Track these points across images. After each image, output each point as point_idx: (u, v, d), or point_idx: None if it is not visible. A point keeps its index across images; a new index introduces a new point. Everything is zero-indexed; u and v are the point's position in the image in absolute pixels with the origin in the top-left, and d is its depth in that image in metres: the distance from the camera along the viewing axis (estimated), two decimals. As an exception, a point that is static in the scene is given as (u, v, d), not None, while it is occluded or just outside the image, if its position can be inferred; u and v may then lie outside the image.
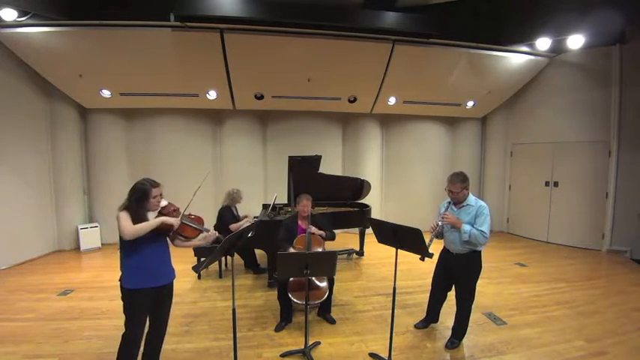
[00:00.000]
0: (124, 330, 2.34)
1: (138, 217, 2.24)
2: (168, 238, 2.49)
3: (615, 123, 5.99)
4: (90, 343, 3.13)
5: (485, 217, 2.81)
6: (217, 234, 2.58)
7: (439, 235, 2.98)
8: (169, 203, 2.49)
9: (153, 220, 2.25)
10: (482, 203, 2.88)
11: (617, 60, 5.89)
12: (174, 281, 2.58)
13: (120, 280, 2.32)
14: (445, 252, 3.15)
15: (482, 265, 3.01)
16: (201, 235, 2.55)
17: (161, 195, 2.42)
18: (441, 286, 3.26)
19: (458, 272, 3.03)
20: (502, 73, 6.60)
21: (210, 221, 5.02)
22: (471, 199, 2.92)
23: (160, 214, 2.41)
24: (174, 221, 2.30)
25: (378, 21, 5.26)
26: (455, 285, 3.13)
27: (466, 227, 2.79)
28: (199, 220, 2.60)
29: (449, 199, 2.98)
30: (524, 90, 7.17)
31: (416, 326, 3.41)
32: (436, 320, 3.43)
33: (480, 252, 2.96)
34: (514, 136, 7.62)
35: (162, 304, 2.47)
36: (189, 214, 2.58)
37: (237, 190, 5.09)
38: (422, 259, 2.66)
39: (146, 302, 2.33)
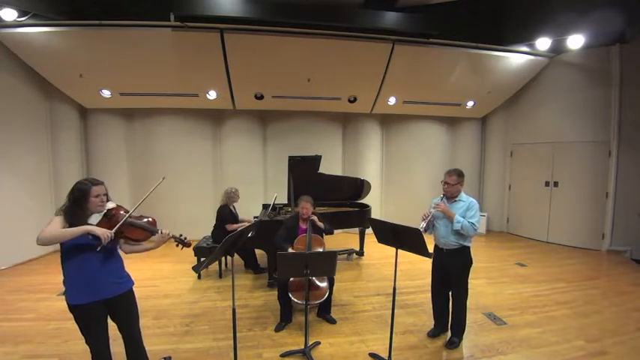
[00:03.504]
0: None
1: (76, 221, 1.98)
2: (118, 245, 2.24)
3: (615, 123, 5.98)
4: (90, 343, 3.13)
5: (475, 211, 2.99)
6: (172, 234, 2.29)
7: (428, 226, 3.08)
8: (118, 206, 2.23)
9: (74, 229, 1.93)
10: (473, 199, 3.06)
11: (617, 60, 5.88)
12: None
13: (64, 295, 2.05)
14: (437, 251, 3.18)
15: (473, 260, 3.08)
16: (153, 238, 2.25)
17: (106, 195, 2.15)
18: (440, 286, 3.24)
19: (450, 268, 3.07)
20: (502, 73, 6.60)
21: (210, 222, 5.06)
22: (463, 195, 3.09)
23: (106, 216, 2.16)
24: (101, 233, 1.94)
25: (378, 21, 5.27)
26: (449, 282, 3.15)
27: (459, 218, 2.95)
28: (151, 222, 2.31)
29: (441, 195, 3.12)
30: (524, 90, 7.17)
31: (428, 334, 3.27)
32: (447, 328, 3.26)
33: (469, 247, 3.04)
34: (514, 136, 7.62)
35: (124, 317, 2.24)
36: (140, 216, 2.30)
37: (234, 190, 5.09)
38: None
39: (96, 316, 2.09)
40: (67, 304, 2.05)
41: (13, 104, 5.37)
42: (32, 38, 4.98)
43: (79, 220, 2.01)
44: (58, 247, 2.03)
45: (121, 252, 2.30)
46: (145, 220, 2.30)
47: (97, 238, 1.94)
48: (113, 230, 2.03)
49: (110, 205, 2.18)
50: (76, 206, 2.04)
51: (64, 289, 2.08)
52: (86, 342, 2.15)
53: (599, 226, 6.24)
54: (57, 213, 2.03)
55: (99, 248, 1.96)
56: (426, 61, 6.15)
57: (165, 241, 2.27)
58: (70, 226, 1.96)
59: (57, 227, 1.94)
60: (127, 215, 2.16)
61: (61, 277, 2.08)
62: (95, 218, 2.16)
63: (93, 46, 5.15)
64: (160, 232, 2.25)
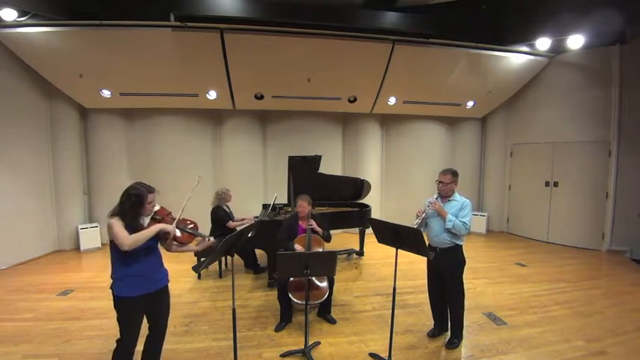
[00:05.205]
0: (119, 336, 2.30)
1: (132, 225, 2.18)
2: (160, 244, 2.41)
3: (615, 123, 5.98)
4: (90, 343, 3.13)
5: (468, 210, 3.02)
6: (213, 240, 2.57)
7: (421, 225, 3.08)
8: (162, 208, 2.46)
9: (151, 229, 2.20)
10: (466, 199, 3.09)
11: (617, 60, 5.88)
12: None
13: (111, 288, 2.24)
14: (430, 251, 3.14)
15: (467, 259, 3.10)
16: (196, 240, 2.50)
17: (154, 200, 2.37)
18: (436, 286, 3.23)
19: (444, 268, 3.07)
20: (502, 73, 6.60)
21: (207, 223, 5.05)
22: (457, 195, 3.13)
23: (153, 219, 2.36)
24: (171, 228, 2.28)
25: (378, 21, 5.26)
26: (445, 282, 3.14)
27: (450, 217, 2.99)
28: (194, 226, 2.59)
29: (436, 195, 3.15)
30: (524, 90, 7.17)
31: (428, 334, 3.29)
32: (447, 328, 3.27)
33: (461, 246, 3.06)
34: (514, 136, 7.62)
35: (159, 309, 2.42)
36: (184, 219, 2.54)
37: (225, 190, 5.08)
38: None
39: (140, 308, 2.29)
40: (114, 295, 2.21)
41: (13, 104, 5.37)
42: (32, 38, 4.97)
43: (136, 222, 2.22)
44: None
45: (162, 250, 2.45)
46: (190, 224, 2.56)
47: (166, 233, 2.25)
48: (174, 225, 2.33)
49: (156, 207, 2.40)
50: (134, 211, 2.21)
51: (111, 281, 2.25)
52: (120, 334, 2.28)
53: (599, 226, 6.24)
54: (111, 215, 2.20)
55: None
56: (426, 61, 6.15)
57: (207, 245, 2.61)
58: (127, 227, 2.15)
59: (124, 229, 2.12)
60: (178, 218, 2.43)
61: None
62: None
63: (93, 46, 5.15)
64: (206, 237, 2.53)
